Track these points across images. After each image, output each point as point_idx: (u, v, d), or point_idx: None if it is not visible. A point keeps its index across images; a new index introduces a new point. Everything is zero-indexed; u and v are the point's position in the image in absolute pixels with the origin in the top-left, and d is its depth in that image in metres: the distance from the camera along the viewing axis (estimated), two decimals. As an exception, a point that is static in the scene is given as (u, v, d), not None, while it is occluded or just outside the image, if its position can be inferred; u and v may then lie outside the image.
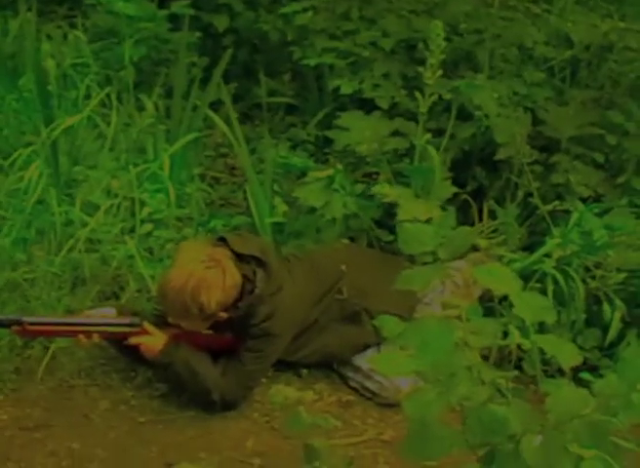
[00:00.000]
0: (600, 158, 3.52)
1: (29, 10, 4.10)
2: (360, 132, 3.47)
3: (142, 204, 3.34)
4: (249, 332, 2.79)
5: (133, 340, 2.76)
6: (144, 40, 3.99)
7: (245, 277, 2.76)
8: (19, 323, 2.69)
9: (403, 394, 2.79)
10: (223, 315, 2.74)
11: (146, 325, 2.76)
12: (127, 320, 2.77)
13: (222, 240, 2.84)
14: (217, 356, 2.84)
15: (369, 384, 2.92)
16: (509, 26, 3.85)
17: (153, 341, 2.76)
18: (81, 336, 2.73)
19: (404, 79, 3.75)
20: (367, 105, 3.66)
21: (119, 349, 2.91)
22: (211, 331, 2.82)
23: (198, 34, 4.12)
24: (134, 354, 2.86)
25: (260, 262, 2.81)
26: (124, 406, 2.84)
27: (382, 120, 3.54)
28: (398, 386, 2.86)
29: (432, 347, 1.55)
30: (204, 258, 2.68)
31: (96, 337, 2.74)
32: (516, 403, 1.59)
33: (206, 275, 2.66)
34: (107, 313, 2.82)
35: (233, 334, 2.83)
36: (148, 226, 3.30)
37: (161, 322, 2.81)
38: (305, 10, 3.98)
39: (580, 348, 2.94)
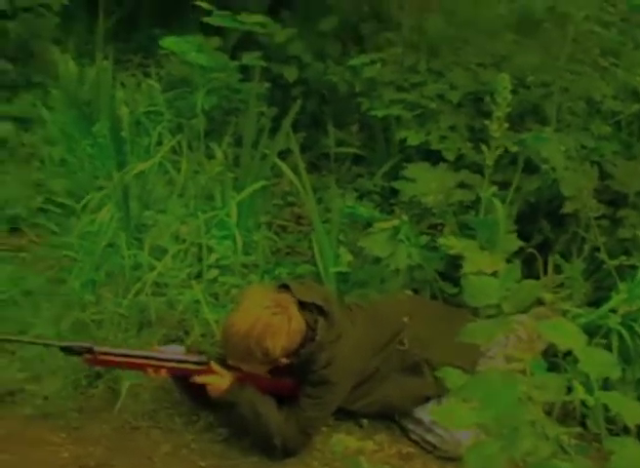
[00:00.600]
0: (668, 213, 3.47)
1: (106, 58, 4.22)
2: (426, 183, 3.47)
3: (210, 250, 3.38)
4: (308, 379, 2.79)
5: (199, 379, 2.77)
6: (216, 90, 4.08)
7: (307, 324, 2.78)
8: (90, 351, 2.71)
9: (464, 447, 2.78)
10: (285, 361, 2.75)
11: (213, 364, 2.78)
12: (195, 357, 2.79)
13: (285, 287, 2.87)
14: (278, 401, 2.85)
15: (430, 437, 2.89)
16: (577, 79, 3.83)
17: (219, 381, 2.77)
18: (149, 370, 2.75)
19: (470, 131, 3.76)
20: (433, 157, 3.68)
21: (184, 391, 2.93)
22: (269, 376, 2.84)
23: (268, 85, 4.18)
24: (198, 397, 2.88)
25: (321, 310, 2.82)
26: (185, 449, 2.85)
27: (449, 172, 3.55)
28: (459, 440, 2.83)
29: (496, 400, 1.54)
30: (269, 304, 2.71)
31: (163, 372, 2.76)
32: (579, 460, 1.57)
33: (272, 321, 2.68)
34: (176, 350, 2.85)
35: (293, 380, 2.85)
36: (215, 272, 3.34)
37: (222, 365, 2.84)
38: (373, 62, 4.03)
39: (646, 406, 2.89)
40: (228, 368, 2.81)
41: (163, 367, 2.76)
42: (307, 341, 2.77)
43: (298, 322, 2.74)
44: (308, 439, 2.84)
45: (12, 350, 3.12)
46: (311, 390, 2.79)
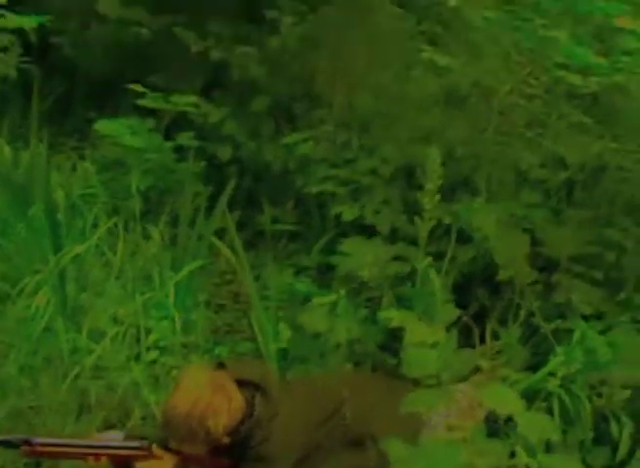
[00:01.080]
0: (599, 276, 3.53)
1: (40, 141, 4.22)
2: (362, 257, 3.51)
3: (148, 331, 3.37)
4: (245, 457, 2.76)
5: (140, 465, 2.72)
6: (151, 170, 4.10)
7: (245, 401, 2.76)
8: (28, 443, 2.63)
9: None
10: (227, 440, 2.73)
11: (155, 448, 2.73)
12: (135, 443, 2.73)
13: (222, 365, 2.86)
14: None
15: (378, 512, 2.88)
16: (504, 150, 3.92)
17: (161, 465, 2.73)
18: (90, 459, 2.68)
19: (404, 204, 3.81)
20: (368, 231, 3.73)
21: None
22: (208, 456, 2.79)
23: (203, 164, 4.22)
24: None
25: (258, 387, 2.82)
26: None
27: (384, 245, 3.59)
28: (407, 513, 2.81)
29: (439, 471, 1.56)
30: (208, 383, 2.70)
31: (104, 460, 2.70)
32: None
33: (212, 399, 2.65)
34: (115, 437, 2.80)
35: (231, 460, 2.82)
36: (154, 353, 3.32)
37: (163, 448, 2.80)
38: (306, 140, 4.09)
39: (590, 467, 2.92)
40: (169, 450, 2.77)
41: (103, 454, 2.69)
42: (246, 418, 2.75)
43: (237, 400, 2.72)
44: None
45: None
46: (250, 467, 2.77)
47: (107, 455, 2.70)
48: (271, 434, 2.75)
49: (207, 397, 2.65)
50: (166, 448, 2.76)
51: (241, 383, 2.79)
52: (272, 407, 2.79)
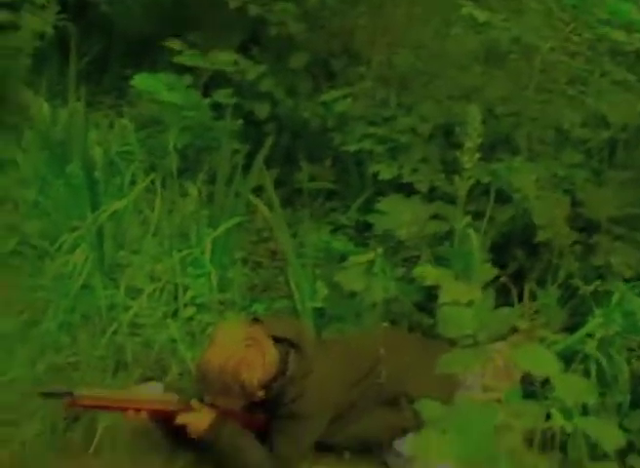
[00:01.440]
0: (640, 238, 3.49)
1: (78, 99, 4.21)
2: (399, 216, 3.49)
3: (185, 288, 3.37)
4: (278, 414, 2.79)
5: (180, 419, 2.75)
6: (189, 128, 4.08)
7: (279, 358, 2.78)
8: (70, 395, 2.69)
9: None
10: (261, 394, 2.74)
11: (193, 402, 2.77)
12: (174, 397, 2.78)
13: (258, 321, 2.87)
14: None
15: (410, 469, 2.89)
16: (546, 109, 3.86)
17: (200, 419, 2.76)
18: (129, 412, 2.74)
19: (442, 163, 3.77)
20: (406, 189, 3.70)
21: (163, 431, 2.91)
22: (243, 412, 2.82)
23: (240, 122, 4.19)
24: (177, 436, 2.86)
25: (293, 344, 2.82)
26: (165, 489, 2.84)
27: (422, 204, 3.57)
28: (441, 471, 2.82)
29: (473, 431, 1.54)
30: (243, 337, 2.71)
31: (143, 414, 2.75)
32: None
33: (246, 354, 2.68)
34: (155, 389, 2.83)
35: (265, 416, 2.84)
36: (191, 310, 3.33)
37: (201, 402, 2.83)
38: (345, 97, 4.05)
39: (627, 431, 2.89)
40: (206, 405, 2.80)
41: (143, 408, 2.74)
42: (280, 375, 2.77)
43: (271, 354, 2.74)
44: None
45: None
46: (281, 424, 2.79)
47: (146, 410, 2.75)
48: (304, 391, 2.77)
49: (241, 351, 2.67)
50: (203, 402, 2.79)
51: (276, 340, 2.80)
52: (306, 364, 2.81)
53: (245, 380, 2.67)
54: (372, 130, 3.91)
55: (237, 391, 2.69)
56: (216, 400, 2.77)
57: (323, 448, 2.96)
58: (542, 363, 1.67)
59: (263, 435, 2.82)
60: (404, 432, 2.93)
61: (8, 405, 3.02)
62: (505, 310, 1.78)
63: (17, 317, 3.40)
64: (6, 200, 4.09)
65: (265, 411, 2.83)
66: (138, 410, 2.74)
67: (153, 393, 2.83)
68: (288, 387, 2.77)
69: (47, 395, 2.74)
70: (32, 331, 3.31)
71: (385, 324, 3.27)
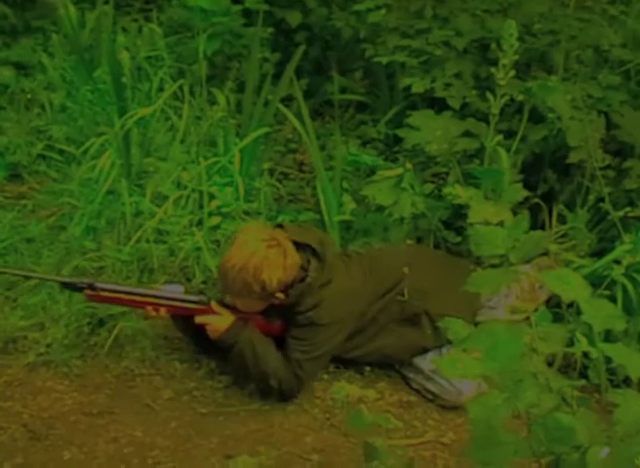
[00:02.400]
0: (674, 163, 3.42)
1: (106, 3, 4.15)
2: (430, 131, 3.44)
3: (211, 197, 3.36)
4: (294, 320, 2.81)
5: (200, 319, 2.78)
6: (218, 34, 4.00)
7: (300, 263, 2.78)
8: (91, 287, 2.72)
9: (467, 398, 2.79)
10: (281, 296, 2.75)
11: (214, 304, 2.79)
12: (195, 297, 2.80)
13: (281, 227, 2.86)
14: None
15: (430, 386, 2.91)
16: (585, 28, 3.76)
17: (220, 321, 2.78)
18: (149, 308, 2.76)
19: (476, 79, 3.70)
20: (438, 105, 3.64)
21: (184, 332, 2.95)
22: (261, 317, 2.85)
23: (271, 30, 4.12)
24: (198, 338, 2.90)
25: (314, 252, 2.82)
26: (186, 396, 2.88)
27: (453, 120, 3.51)
28: (460, 389, 2.84)
29: (500, 352, 1.53)
30: (265, 238, 2.71)
31: (163, 311, 2.77)
32: (583, 413, 1.57)
33: (268, 253, 2.69)
34: (175, 289, 2.85)
35: (283, 321, 2.86)
36: (216, 219, 3.32)
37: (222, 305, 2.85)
38: (379, 7, 3.95)
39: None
40: (227, 307, 2.82)
41: (163, 305, 2.76)
42: (298, 281, 2.77)
43: (293, 256, 2.74)
44: (301, 382, 2.85)
45: (14, 297, 3.13)
46: (297, 331, 2.81)
47: (167, 307, 2.77)
48: (323, 301, 2.78)
49: (262, 251, 2.68)
50: (224, 304, 2.81)
51: (298, 246, 2.79)
52: (326, 274, 2.81)
53: (265, 279, 2.68)
54: (405, 42, 3.83)
55: (257, 291, 2.70)
56: (236, 301, 2.79)
57: (343, 362, 2.99)
58: (572, 286, 1.65)
59: (280, 341, 2.85)
60: (424, 350, 2.95)
61: (34, 307, 3.05)
62: (539, 233, 1.73)
63: (44, 221, 3.42)
64: (33, 104, 4.07)
65: (283, 318, 2.84)
66: (157, 308, 2.76)
67: (174, 292, 2.84)
68: (306, 295, 2.78)
69: (67, 285, 2.77)
70: (58, 235, 3.33)
71: (411, 241, 3.26)
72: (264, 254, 2.68)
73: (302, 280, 2.78)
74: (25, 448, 2.64)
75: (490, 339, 1.55)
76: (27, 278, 3.07)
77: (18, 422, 2.74)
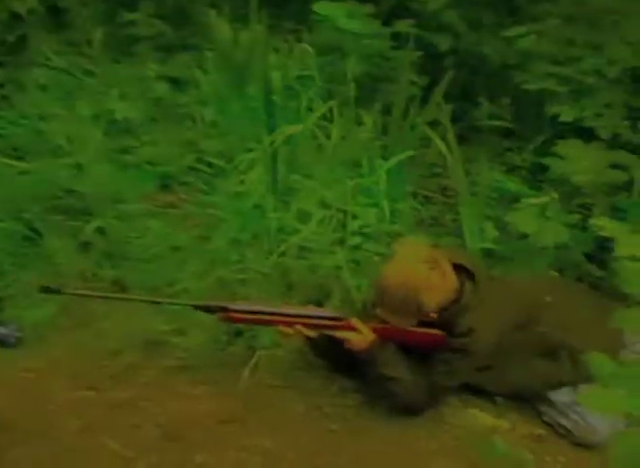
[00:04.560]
0: None
1: (259, 23, 4.24)
2: (578, 161, 3.38)
3: (354, 217, 3.38)
4: (448, 343, 2.79)
5: (339, 334, 2.78)
6: (367, 56, 4.04)
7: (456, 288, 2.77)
8: (224, 310, 2.75)
9: (600, 436, 2.72)
10: (434, 316, 2.75)
11: (355, 321, 2.79)
12: (331, 313, 2.80)
13: (435, 246, 2.87)
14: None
15: (563, 421, 2.83)
16: None
17: (360, 338, 2.79)
18: (284, 328, 2.76)
19: (628, 109, 3.62)
20: (586, 134, 3.57)
21: (317, 354, 2.98)
22: (418, 328, 2.82)
23: (419, 53, 4.13)
24: (333, 359, 2.93)
25: (468, 274, 2.81)
26: (318, 412, 2.91)
27: (602, 151, 3.44)
28: (595, 427, 2.76)
29: (645, 391, 1.50)
30: (426, 258, 2.71)
31: (299, 327, 2.76)
32: None
33: (430, 275, 2.68)
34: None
35: (442, 333, 2.82)
36: (358, 239, 3.33)
37: (363, 315, 2.86)
38: (529, 34, 3.91)
39: None
40: (371, 320, 2.82)
41: (299, 322, 2.76)
42: (451, 303, 2.76)
43: (451, 279, 2.74)
44: (430, 406, 2.86)
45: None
46: (447, 355, 2.79)
47: (303, 324, 2.77)
48: (477, 327, 2.75)
49: (424, 271, 2.68)
50: (365, 320, 2.80)
51: (454, 267, 2.78)
52: (480, 296, 2.79)
53: (424, 301, 2.68)
54: (555, 69, 3.76)
55: (413, 310, 2.70)
56: (388, 315, 2.78)
57: (474, 390, 2.96)
58: None
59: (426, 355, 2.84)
60: (560, 384, 2.88)
61: (176, 313, 3.15)
62: (694, 272, 1.69)
63: (190, 231, 3.53)
64: (185, 118, 4.20)
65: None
66: (292, 325, 2.76)
67: (310, 309, 2.85)
68: (460, 317, 2.76)
69: (201, 308, 2.78)
70: (204, 245, 3.42)
71: (554, 273, 3.21)
72: (426, 276, 2.67)
73: (457, 301, 2.77)
74: (160, 448, 2.73)
75: (636, 377, 1.52)
76: (160, 304, 3.12)
77: (154, 423, 2.83)
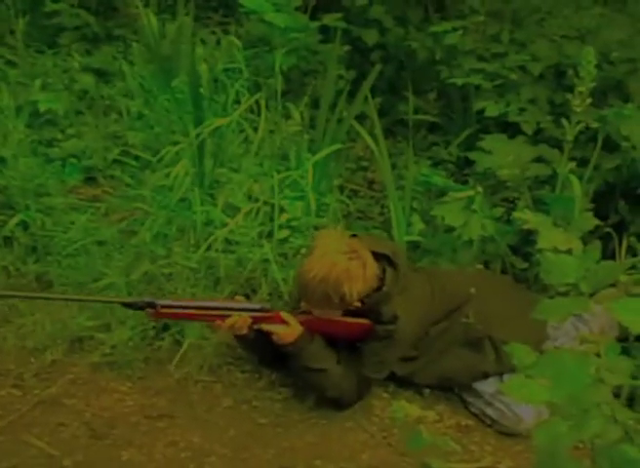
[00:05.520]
0: None
1: (186, 14, 4.21)
2: (503, 155, 3.43)
3: (281, 210, 3.38)
4: (373, 332, 2.81)
5: (266, 326, 2.78)
6: (295, 50, 4.04)
7: (377, 276, 2.78)
8: (152, 306, 2.71)
9: (526, 425, 2.77)
10: (358, 304, 2.76)
11: (283, 313, 2.79)
12: (259, 305, 2.79)
13: (355, 236, 2.87)
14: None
15: (489, 411, 2.88)
16: (664, 56, 3.73)
17: (287, 331, 2.79)
18: (215, 320, 2.74)
19: (551, 105, 3.69)
20: (510, 129, 3.63)
21: (244, 347, 2.97)
22: (343, 318, 2.83)
23: (347, 47, 4.15)
24: (260, 352, 2.94)
25: (390, 262, 2.83)
26: (246, 406, 2.91)
27: (526, 145, 3.50)
28: (520, 416, 2.81)
29: (566, 380, 1.52)
30: (345, 249, 2.71)
31: (228, 320, 2.74)
32: (648, 446, 1.55)
33: (349, 266, 2.68)
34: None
35: (369, 322, 2.83)
36: (285, 232, 3.33)
37: (291, 307, 2.88)
38: (455, 30, 3.95)
39: None
40: (298, 314, 2.83)
41: (227, 315, 2.75)
42: (374, 291, 2.78)
43: (372, 268, 2.74)
44: (361, 397, 2.90)
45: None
46: (374, 345, 2.81)
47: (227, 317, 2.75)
48: (401, 313, 2.77)
49: (343, 263, 2.67)
50: (293, 313, 2.82)
51: (374, 255, 2.79)
52: (401, 283, 2.81)
53: (346, 291, 2.68)
54: (481, 65, 3.83)
55: (336, 302, 2.71)
56: (313, 308, 2.80)
57: (403, 382, 2.99)
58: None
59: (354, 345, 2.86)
60: (485, 375, 2.92)
61: (101, 309, 3.12)
62: (611, 263, 1.72)
63: (116, 225, 3.48)
64: (111, 110, 4.15)
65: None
66: (223, 318, 2.74)
67: (235, 301, 2.84)
68: (383, 305, 2.78)
69: (128, 306, 2.75)
70: (130, 240, 3.38)
71: (478, 264, 3.25)
72: (345, 267, 2.67)
73: (379, 289, 2.79)
74: (86, 445, 2.70)
75: (556, 367, 1.55)
76: (86, 302, 3.10)
77: (79, 420, 2.80)
